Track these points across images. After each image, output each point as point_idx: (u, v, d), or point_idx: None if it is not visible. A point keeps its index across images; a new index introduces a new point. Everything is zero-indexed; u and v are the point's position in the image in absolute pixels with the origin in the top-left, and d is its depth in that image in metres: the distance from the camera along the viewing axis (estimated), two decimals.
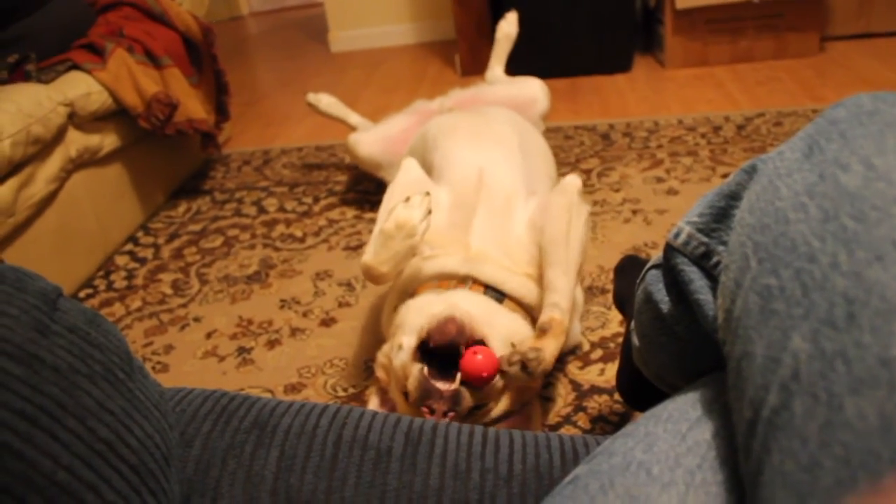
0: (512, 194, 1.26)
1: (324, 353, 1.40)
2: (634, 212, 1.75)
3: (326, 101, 2.13)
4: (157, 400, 0.59)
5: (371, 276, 1.14)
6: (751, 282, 0.43)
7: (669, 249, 0.60)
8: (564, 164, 2.02)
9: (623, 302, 1.10)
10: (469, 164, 1.31)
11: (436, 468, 0.62)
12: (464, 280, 1.15)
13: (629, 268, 1.13)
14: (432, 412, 0.96)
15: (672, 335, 0.65)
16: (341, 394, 1.28)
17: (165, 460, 0.56)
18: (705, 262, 0.57)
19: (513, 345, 1.04)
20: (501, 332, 1.05)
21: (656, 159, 2.01)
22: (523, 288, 1.15)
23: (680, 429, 0.51)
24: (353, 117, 2.12)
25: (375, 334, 1.41)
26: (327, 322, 1.49)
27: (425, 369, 0.99)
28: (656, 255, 0.67)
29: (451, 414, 0.96)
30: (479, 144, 1.40)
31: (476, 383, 0.99)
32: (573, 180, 1.19)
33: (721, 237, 0.56)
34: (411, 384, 0.99)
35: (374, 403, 1.15)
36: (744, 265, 0.45)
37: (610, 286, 1.43)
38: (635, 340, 0.76)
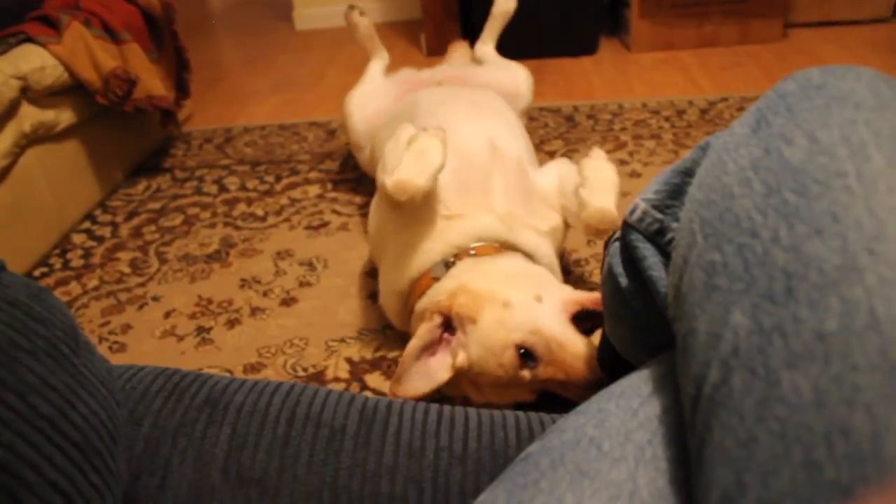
0: (522, 159, 1.32)
1: (284, 332, 1.38)
2: None
3: (365, 25, 2.00)
4: (103, 376, 0.57)
5: (405, 190, 1.09)
6: (696, 258, 0.43)
7: (626, 226, 0.60)
8: None
9: None
10: (476, 133, 1.33)
11: (390, 446, 0.62)
12: (506, 248, 1.18)
13: None
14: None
15: (630, 309, 0.65)
16: (301, 374, 1.28)
17: (111, 438, 0.55)
18: (659, 239, 0.57)
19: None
20: None
21: (620, 142, 2.02)
22: (550, 255, 1.24)
23: (631, 405, 0.51)
24: (378, 61, 1.96)
25: (337, 314, 1.41)
26: (288, 301, 1.47)
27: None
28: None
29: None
30: (482, 116, 1.44)
31: None
32: (600, 151, 1.24)
33: (675, 214, 0.56)
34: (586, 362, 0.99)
35: (432, 325, 1.06)
36: (690, 241, 0.45)
37: (580, 270, 1.45)
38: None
